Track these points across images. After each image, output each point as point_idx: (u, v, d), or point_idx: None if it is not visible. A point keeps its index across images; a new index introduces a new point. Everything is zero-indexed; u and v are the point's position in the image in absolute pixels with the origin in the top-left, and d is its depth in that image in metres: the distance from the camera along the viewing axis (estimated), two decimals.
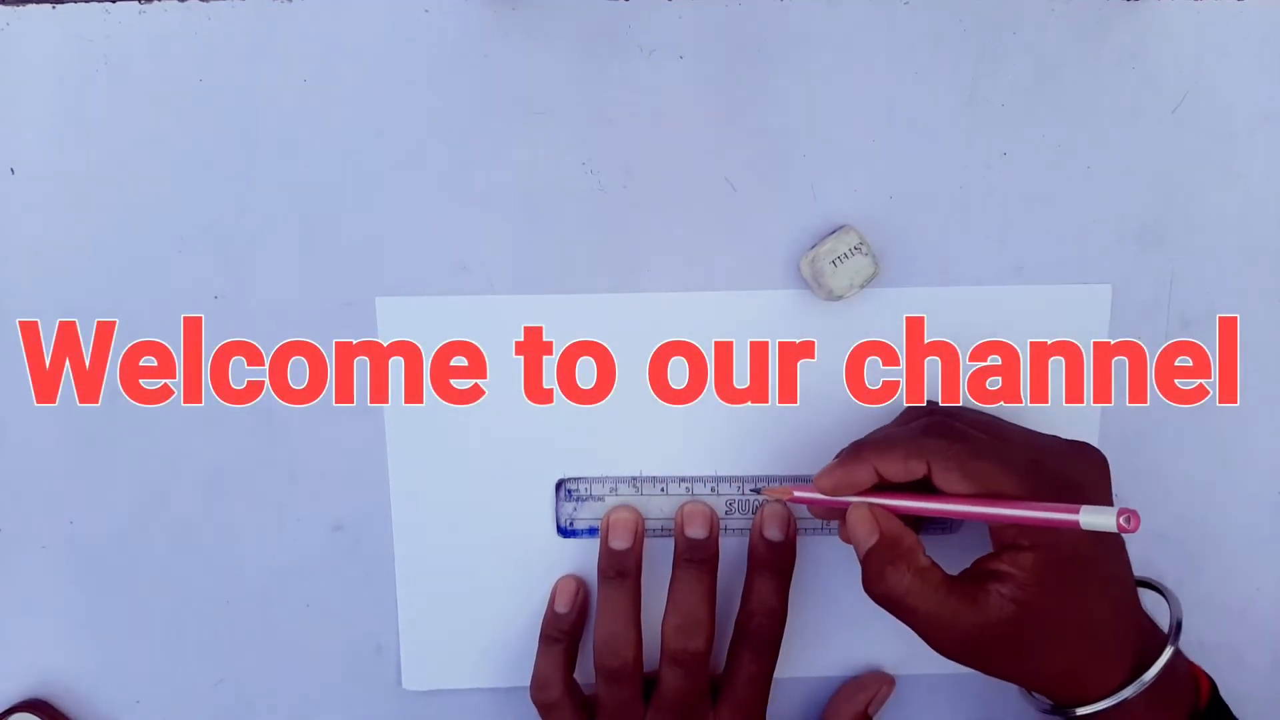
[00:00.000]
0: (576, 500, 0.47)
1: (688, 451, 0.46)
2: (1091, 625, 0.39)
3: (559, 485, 0.47)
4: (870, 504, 0.41)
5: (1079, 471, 0.40)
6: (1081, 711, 0.41)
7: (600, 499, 0.46)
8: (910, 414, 0.44)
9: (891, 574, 0.39)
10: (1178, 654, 0.41)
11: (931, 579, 0.39)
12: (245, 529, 0.47)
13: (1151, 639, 0.42)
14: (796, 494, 0.43)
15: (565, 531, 0.47)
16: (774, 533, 0.45)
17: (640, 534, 0.46)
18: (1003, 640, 0.39)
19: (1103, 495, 0.41)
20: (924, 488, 0.40)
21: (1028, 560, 0.38)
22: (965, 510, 0.39)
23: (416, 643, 0.48)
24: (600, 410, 0.46)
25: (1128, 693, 0.40)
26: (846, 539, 0.42)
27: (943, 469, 0.39)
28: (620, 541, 0.45)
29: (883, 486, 0.41)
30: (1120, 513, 0.34)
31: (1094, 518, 0.35)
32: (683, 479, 0.46)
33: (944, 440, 0.39)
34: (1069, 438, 0.42)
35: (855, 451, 0.41)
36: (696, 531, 0.45)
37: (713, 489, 0.47)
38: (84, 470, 0.46)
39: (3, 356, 0.45)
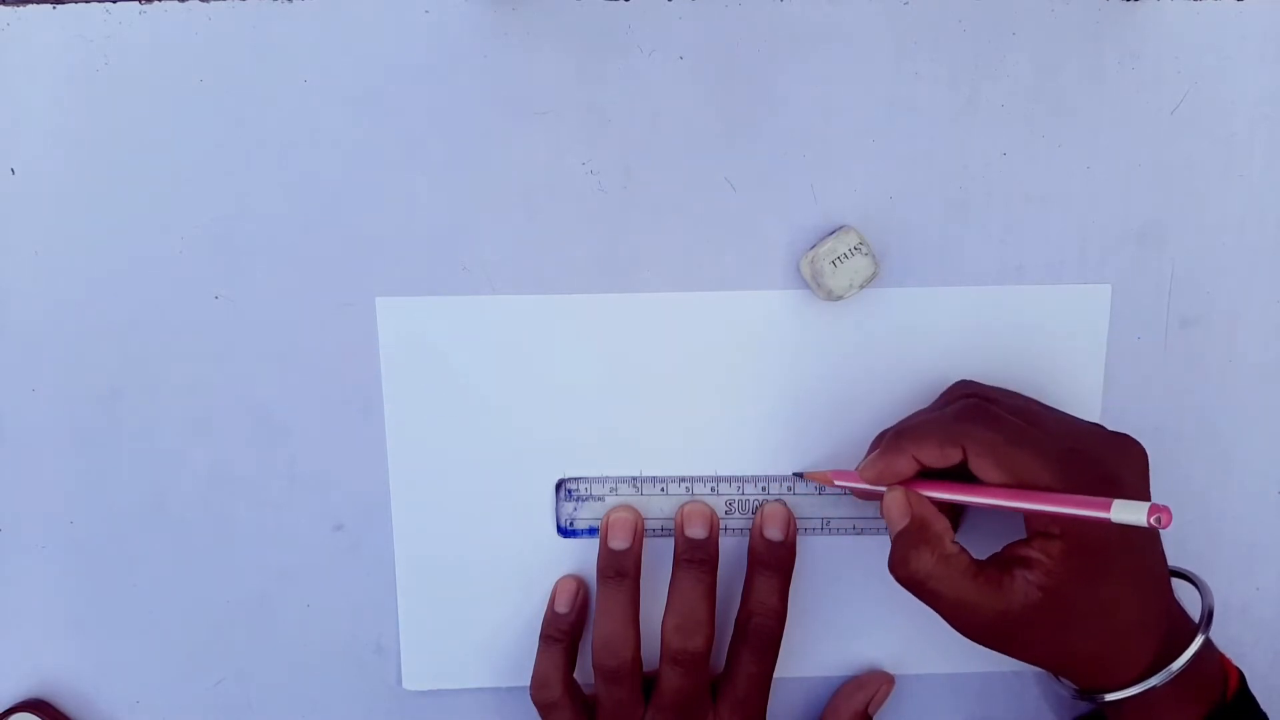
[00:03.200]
0: (576, 500, 0.47)
1: (688, 451, 0.46)
2: (1117, 614, 0.40)
3: (559, 485, 0.47)
4: (905, 489, 0.41)
5: (1116, 463, 0.40)
6: (1109, 697, 0.41)
7: (600, 499, 0.47)
8: (950, 394, 0.44)
9: (915, 558, 0.40)
10: (1208, 644, 0.42)
11: (957, 565, 0.40)
12: (245, 529, 0.47)
13: (1182, 628, 0.42)
14: (836, 481, 0.44)
15: (565, 531, 0.47)
16: (774, 532, 0.45)
17: (640, 534, 0.46)
18: (1027, 626, 0.39)
19: (1139, 488, 0.41)
20: (968, 472, 0.40)
21: (1056, 548, 0.39)
22: (997, 502, 0.39)
23: (416, 642, 0.48)
24: (600, 410, 0.46)
25: (1155, 680, 0.40)
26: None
27: (977, 455, 0.39)
28: (619, 541, 0.45)
29: (926, 473, 0.41)
30: (1151, 510, 0.35)
31: (1125, 513, 0.35)
32: (683, 479, 0.46)
33: (979, 426, 0.40)
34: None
35: (894, 440, 0.41)
36: (696, 531, 0.45)
37: (713, 489, 0.47)
38: (84, 470, 0.46)
39: (2, 356, 0.45)
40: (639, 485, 0.46)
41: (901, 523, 0.41)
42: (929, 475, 0.41)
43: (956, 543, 0.40)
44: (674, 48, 0.43)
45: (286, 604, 0.47)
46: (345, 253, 0.45)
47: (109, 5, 0.42)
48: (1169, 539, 0.47)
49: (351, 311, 0.45)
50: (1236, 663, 0.43)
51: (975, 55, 0.44)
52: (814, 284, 0.44)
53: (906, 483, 0.41)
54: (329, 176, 0.44)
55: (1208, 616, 0.42)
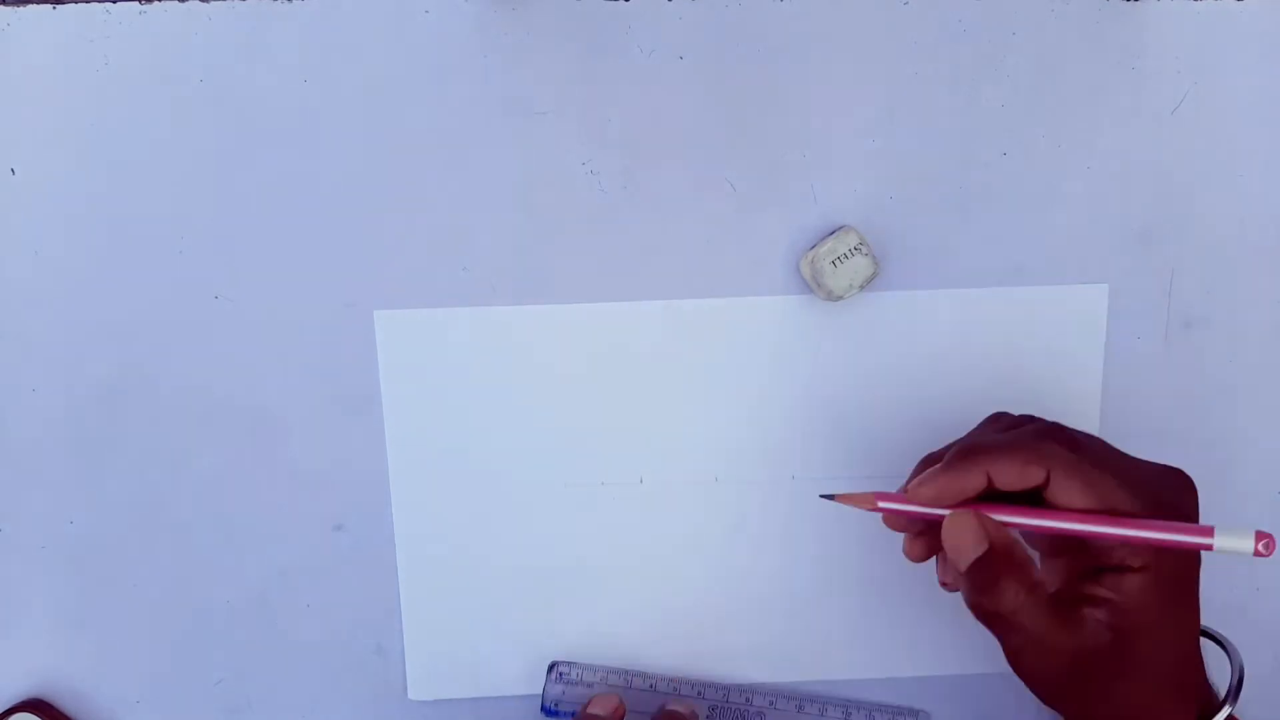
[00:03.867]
0: (565, 684, 0.47)
1: (688, 455, 0.46)
2: (1175, 662, 0.37)
3: (551, 667, 0.47)
4: (976, 511, 0.37)
5: (1178, 496, 0.37)
6: None
7: (589, 685, 0.47)
8: (1002, 421, 0.40)
9: (1007, 588, 0.36)
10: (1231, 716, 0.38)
11: (1042, 596, 0.36)
12: (245, 529, 0.47)
13: (1208, 694, 0.39)
14: (880, 504, 0.38)
15: (550, 712, 0.47)
16: None
17: (621, 713, 0.45)
18: (1091, 670, 0.36)
19: (1193, 521, 0.38)
20: (1019, 500, 0.37)
21: (1135, 584, 0.35)
22: (1084, 528, 0.35)
23: (421, 653, 0.47)
24: (600, 414, 0.46)
25: None
26: (916, 555, 0.39)
27: (1064, 478, 0.36)
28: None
29: (982, 498, 0.37)
30: (1258, 537, 0.32)
31: (1230, 540, 0.32)
32: (671, 679, 0.47)
33: (1064, 448, 0.36)
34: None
35: (965, 456, 0.37)
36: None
37: (699, 693, 0.47)
38: (84, 471, 0.46)
39: (3, 357, 0.45)
40: (629, 679, 0.47)
41: (978, 550, 0.36)
42: (985, 503, 0.37)
43: (1040, 572, 0.37)
44: (674, 48, 0.43)
45: (286, 604, 0.47)
46: (345, 252, 0.45)
47: (109, 6, 0.42)
48: None
49: (352, 311, 0.45)
50: (1236, 665, 0.43)
51: (975, 56, 0.44)
52: (814, 284, 0.44)
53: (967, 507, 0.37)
54: (329, 176, 0.44)
55: (1238, 684, 0.38)
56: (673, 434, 0.46)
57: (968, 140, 0.44)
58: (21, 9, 0.42)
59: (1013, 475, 0.36)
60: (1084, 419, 0.46)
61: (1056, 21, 0.44)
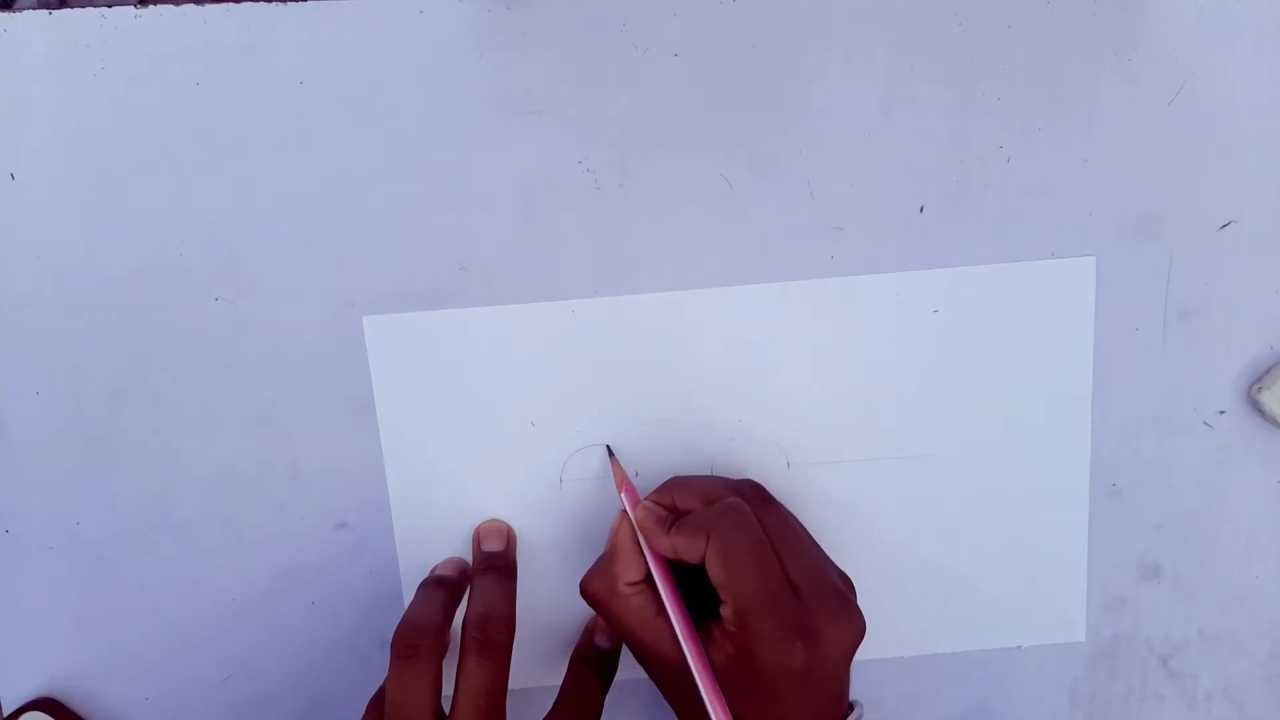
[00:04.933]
0: None
1: (688, 450, 0.46)
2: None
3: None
4: (625, 518, 0.42)
5: (829, 621, 0.40)
6: None
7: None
8: (742, 488, 0.43)
9: (593, 579, 0.42)
10: None
11: (628, 604, 0.41)
12: (249, 528, 0.47)
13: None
14: (623, 493, 0.44)
15: None
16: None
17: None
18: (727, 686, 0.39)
19: (837, 654, 0.40)
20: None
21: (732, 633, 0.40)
22: (675, 620, 0.40)
23: None
24: (596, 408, 0.46)
25: None
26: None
27: (713, 551, 0.40)
28: (494, 545, 0.46)
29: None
30: None
31: None
32: None
33: (725, 524, 0.40)
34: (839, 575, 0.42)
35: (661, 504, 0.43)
36: (493, 545, 0.46)
37: None
38: (89, 472, 0.46)
39: (6, 360, 0.45)
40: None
41: (607, 546, 0.43)
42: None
43: (634, 586, 0.41)
44: (669, 44, 0.43)
45: (291, 602, 0.48)
46: (343, 253, 0.45)
47: (104, 10, 0.43)
48: (1167, 530, 0.47)
49: (351, 310, 0.45)
50: (1236, 652, 0.43)
51: (971, 48, 0.44)
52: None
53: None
54: (326, 177, 0.44)
55: None
56: (668, 425, 0.46)
57: (964, 134, 0.44)
58: (17, 14, 0.43)
59: (681, 545, 0.40)
60: (1078, 406, 0.46)
61: (1052, 13, 0.43)
